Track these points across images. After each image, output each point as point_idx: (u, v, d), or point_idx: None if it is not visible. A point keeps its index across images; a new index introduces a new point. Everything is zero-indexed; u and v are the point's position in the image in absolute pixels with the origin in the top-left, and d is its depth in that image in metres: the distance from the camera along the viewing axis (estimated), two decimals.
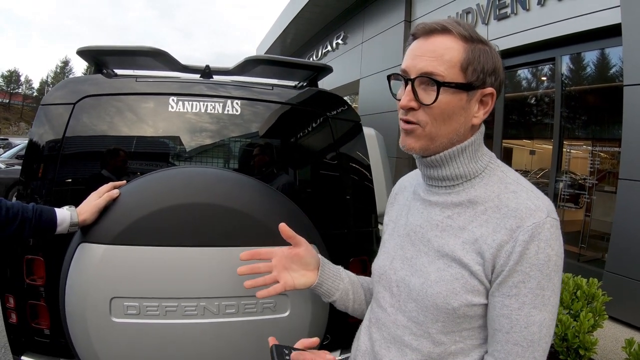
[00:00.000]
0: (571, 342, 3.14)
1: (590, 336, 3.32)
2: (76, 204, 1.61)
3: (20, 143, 17.89)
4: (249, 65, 2.43)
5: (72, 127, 2.03)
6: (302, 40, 16.65)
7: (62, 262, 1.66)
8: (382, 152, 2.60)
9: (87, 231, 1.58)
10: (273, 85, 2.33)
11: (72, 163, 2.07)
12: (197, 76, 2.42)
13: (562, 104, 6.29)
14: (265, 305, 1.69)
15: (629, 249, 4.66)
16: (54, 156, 2.03)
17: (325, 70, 2.47)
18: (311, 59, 16.13)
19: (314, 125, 2.31)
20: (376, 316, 1.14)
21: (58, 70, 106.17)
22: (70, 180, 2.08)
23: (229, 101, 2.15)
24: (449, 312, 0.96)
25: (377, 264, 1.19)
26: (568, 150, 6.40)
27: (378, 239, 2.44)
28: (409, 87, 0.99)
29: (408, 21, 9.93)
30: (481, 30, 7.51)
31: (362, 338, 1.20)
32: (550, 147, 6.48)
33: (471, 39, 0.97)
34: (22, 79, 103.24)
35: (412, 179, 1.25)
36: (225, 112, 2.15)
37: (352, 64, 12.43)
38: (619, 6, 4.98)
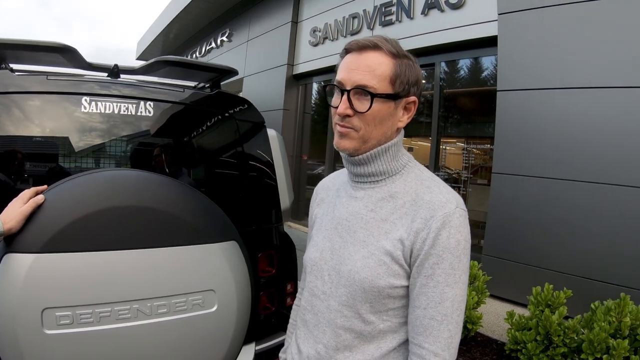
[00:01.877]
0: None
1: (475, 312, 3.73)
2: None
3: None
4: (156, 66, 2.41)
5: None
6: (186, 35, 16.20)
7: None
8: (282, 152, 2.71)
9: (12, 240, 1.49)
10: (184, 88, 2.35)
11: None
12: (103, 74, 2.33)
13: (439, 105, 6.83)
14: (195, 302, 1.73)
15: (503, 234, 5.25)
16: None
17: (231, 73, 2.52)
18: (194, 55, 15.77)
19: (222, 126, 2.39)
20: (310, 303, 1.25)
21: None
22: None
23: (142, 102, 2.12)
24: (375, 294, 1.09)
25: (308, 256, 1.30)
26: (444, 147, 6.99)
27: (282, 234, 2.58)
28: (345, 96, 1.10)
29: (295, 22, 10.11)
30: (366, 35, 7.87)
31: (299, 324, 1.31)
32: (429, 144, 7.01)
33: (398, 55, 1.12)
34: None
35: (335, 180, 1.39)
36: (139, 113, 2.12)
37: (236, 61, 12.34)
38: (495, 20, 5.55)
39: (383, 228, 1.12)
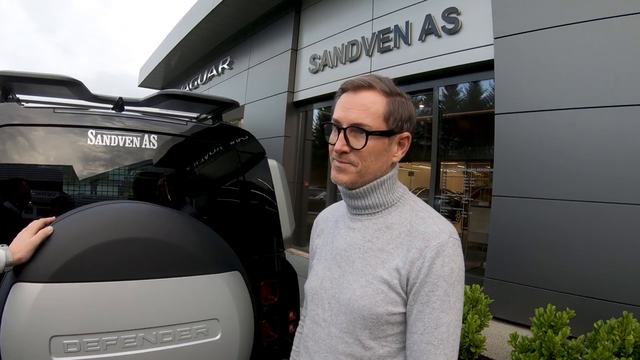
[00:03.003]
0: (462, 342, 3.50)
1: (478, 335, 3.72)
2: None
3: None
4: (159, 98, 2.48)
5: None
6: (188, 62, 16.44)
7: None
8: (283, 182, 2.78)
9: (20, 270, 1.53)
10: (187, 120, 2.43)
11: None
12: (108, 106, 2.40)
13: (439, 128, 6.90)
14: (199, 331, 1.76)
15: (504, 256, 5.26)
16: None
17: (232, 105, 2.60)
18: (196, 82, 15.95)
19: (224, 158, 2.46)
20: (311, 331, 1.29)
21: None
22: None
23: (146, 135, 2.20)
24: (374, 321, 1.13)
25: (308, 286, 1.34)
26: (445, 170, 7.03)
27: (284, 262, 2.62)
28: (341, 134, 1.17)
29: (295, 49, 10.27)
30: (365, 62, 8.02)
31: (301, 351, 1.34)
32: (429, 167, 7.06)
33: (391, 93, 1.19)
34: None
35: (334, 212, 1.44)
36: (143, 146, 2.19)
37: (238, 89, 12.51)
38: (492, 44, 5.66)
39: (380, 258, 1.17)
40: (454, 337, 1.10)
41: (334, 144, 1.19)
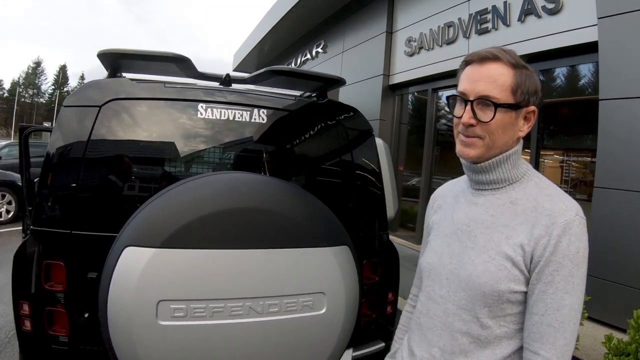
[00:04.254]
0: None
1: None
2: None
3: None
4: (266, 75, 2.51)
5: (98, 130, 2.05)
6: (281, 47, 16.65)
7: (85, 267, 1.66)
8: (389, 160, 2.74)
9: (133, 235, 1.60)
10: (296, 97, 2.46)
11: (95, 167, 2.07)
12: (214, 84, 2.47)
13: (538, 116, 6.48)
14: (305, 304, 1.77)
15: (604, 253, 4.87)
16: (78, 159, 2.03)
17: (339, 82, 2.58)
18: (290, 66, 16.09)
19: (332, 134, 2.45)
20: (426, 307, 1.27)
21: (30, 71, 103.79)
22: (89, 184, 2.08)
23: (255, 110, 2.24)
24: (495, 299, 1.10)
25: (425, 261, 1.31)
26: (543, 160, 6.65)
27: (386, 243, 2.59)
28: (468, 107, 1.14)
29: (389, 32, 10.07)
30: (462, 44, 7.72)
31: (412, 328, 1.33)
32: (528, 157, 6.69)
33: (517, 65, 1.14)
34: None
35: (452, 188, 1.40)
36: (252, 120, 2.23)
37: (332, 72, 12.36)
38: (595, 25, 5.22)
39: (504, 233, 1.14)
40: (574, 321, 1.06)
41: (459, 117, 1.16)
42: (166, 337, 1.60)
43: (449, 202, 1.35)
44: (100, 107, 2.06)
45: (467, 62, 1.20)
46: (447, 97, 1.27)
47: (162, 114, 2.17)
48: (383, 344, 2.42)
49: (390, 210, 2.67)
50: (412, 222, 9.17)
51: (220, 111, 2.19)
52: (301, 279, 1.77)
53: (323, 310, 1.80)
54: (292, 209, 1.77)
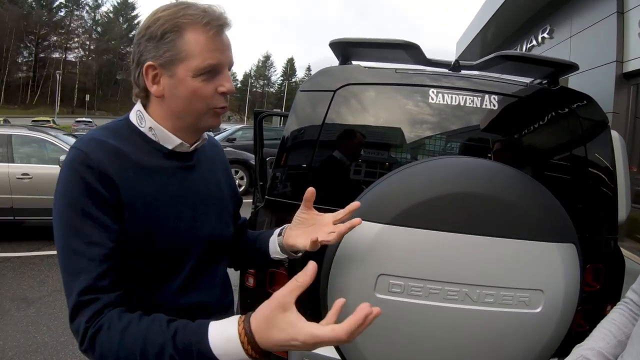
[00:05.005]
0: None
1: None
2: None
3: (226, 128, 20.21)
4: (495, 61, 2.43)
5: (331, 114, 2.21)
6: (504, 34, 15.80)
7: None
8: (624, 157, 2.42)
9: (363, 210, 1.69)
10: (527, 83, 2.34)
11: (327, 148, 2.25)
12: (443, 70, 2.47)
13: None
14: (521, 299, 1.68)
15: None
16: (312, 141, 2.23)
17: (572, 67, 2.37)
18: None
19: (565, 124, 2.28)
20: None
21: (260, 64, 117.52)
22: (321, 164, 2.26)
23: (486, 96, 2.19)
24: None
25: None
26: None
27: (614, 249, 2.32)
28: None
29: (620, 12, 8.77)
30: None
31: (614, 335, 1.22)
32: None
33: None
34: None
35: None
36: (483, 106, 2.19)
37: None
38: None
39: None
40: None
41: None
42: (381, 309, 1.66)
43: None
44: (334, 92, 2.22)
45: None
46: None
47: (393, 100, 2.27)
48: None
49: (622, 213, 2.37)
50: None
51: (452, 97, 2.20)
52: (521, 272, 1.68)
53: (538, 309, 1.69)
54: (523, 199, 1.68)
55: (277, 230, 1.47)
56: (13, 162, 7.24)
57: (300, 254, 1.43)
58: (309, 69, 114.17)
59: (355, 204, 1.36)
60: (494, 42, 17.03)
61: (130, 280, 1.12)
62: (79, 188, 1.05)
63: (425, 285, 1.65)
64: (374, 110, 2.27)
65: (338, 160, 2.26)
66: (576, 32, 10.77)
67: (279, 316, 0.92)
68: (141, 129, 1.21)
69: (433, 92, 2.19)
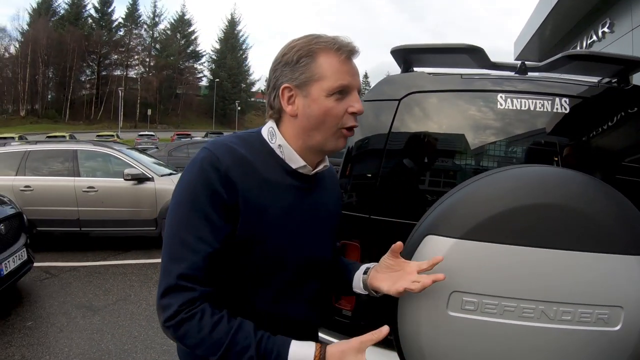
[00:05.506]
0: None
1: None
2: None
3: None
4: (561, 61, 2.32)
5: (397, 123, 2.16)
6: (563, 30, 15.23)
7: (379, 250, 1.72)
8: None
9: (435, 224, 1.62)
10: (598, 84, 2.22)
11: (394, 158, 2.20)
12: (509, 73, 2.37)
13: None
14: (600, 316, 1.56)
15: None
16: (379, 151, 2.18)
17: None
18: (576, 50, 14.64)
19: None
20: None
21: None
22: (389, 175, 2.21)
23: (557, 99, 2.08)
24: None
25: None
26: None
27: None
28: None
29: None
30: None
31: None
32: None
33: None
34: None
35: None
36: (555, 110, 2.08)
37: (623, 53, 10.83)
38: None
39: None
40: None
41: None
42: (452, 328, 1.58)
43: None
44: (399, 100, 2.17)
45: None
46: None
47: (460, 106, 2.19)
48: None
49: None
50: None
51: (521, 101, 2.10)
52: (600, 287, 1.56)
53: (617, 327, 1.56)
54: (602, 209, 1.57)
55: (363, 268, 1.56)
56: (79, 175, 7.59)
57: (380, 294, 1.52)
58: (366, 76, 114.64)
59: (438, 258, 1.45)
60: (552, 40, 16.48)
61: (225, 282, 1.22)
62: (203, 186, 1.16)
63: (500, 302, 1.56)
64: (440, 117, 2.21)
65: (407, 170, 2.22)
66: (638, 24, 10.24)
67: (351, 354, 1.13)
68: (271, 145, 1.31)
69: (501, 96, 2.10)
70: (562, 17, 13.77)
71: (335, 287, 1.73)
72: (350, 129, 1.29)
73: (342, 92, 1.24)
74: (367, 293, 1.54)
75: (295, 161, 1.30)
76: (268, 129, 1.33)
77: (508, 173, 1.71)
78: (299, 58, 1.23)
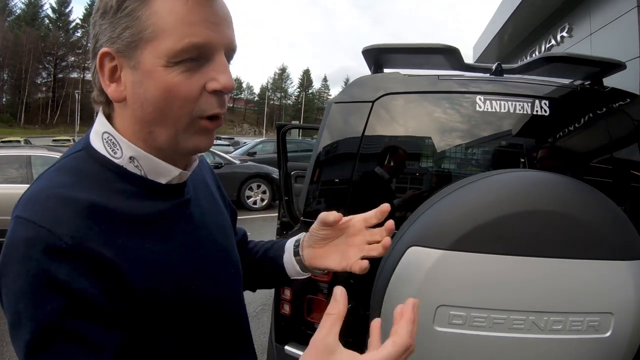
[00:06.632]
0: None
1: None
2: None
3: (245, 142, 20.63)
4: (538, 63, 2.28)
5: (370, 126, 2.06)
6: (522, 35, 15.55)
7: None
8: None
9: (419, 234, 1.54)
10: (578, 86, 2.21)
11: (368, 162, 2.10)
12: (484, 75, 2.32)
13: None
14: (591, 324, 1.52)
15: None
16: (351, 155, 2.08)
17: (618, 67, 2.22)
18: (534, 55, 15.01)
19: (619, 128, 2.11)
20: None
21: (276, 77, 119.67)
22: (362, 179, 2.11)
23: (536, 101, 2.03)
24: None
25: None
26: None
27: None
28: None
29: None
30: None
31: None
32: None
33: None
34: (244, 85, 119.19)
35: None
36: (534, 112, 2.03)
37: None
38: None
39: None
40: None
41: None
42: (440, 343, 1.51)
43: None
44: (373, 102, 2.07)
45: None
46: None
47: (437, 108, 2.11)
48: None
49: None
50: None
51: (500, 103, 2.03)
52: (589, 294, 1.52)
53: (607, 334, 1.53)
54: (591, 213, 1.53)
55: (290, 248, 1.14)
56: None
57: (324, 271, 1.14)
58: (325, 79, 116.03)
59: (386, 205, 1.06)
60: (511, 44, 16.85)
61: None
62: (44, 294, 0.66)
63: (489, 315, 1.49)
64: (417, 120, 2.12)
65: (382, 175, 2.11)
66: (596, 29, 10.50)
67: None
68: (115, 161, 0.80)
69: (480, 98, 2.03)
70: (522, 22, 14.07)
71: (262, 284, 1.27)
72: (214, 118, 0.80)
73: (195, 59, 0.75)
74: (308, 275, 1.15)
75: (165, 172, 0.83)
76: (102, 137, 0.81)
77: (492, 179, 1.64)
78: (121, 1, 0.73)
